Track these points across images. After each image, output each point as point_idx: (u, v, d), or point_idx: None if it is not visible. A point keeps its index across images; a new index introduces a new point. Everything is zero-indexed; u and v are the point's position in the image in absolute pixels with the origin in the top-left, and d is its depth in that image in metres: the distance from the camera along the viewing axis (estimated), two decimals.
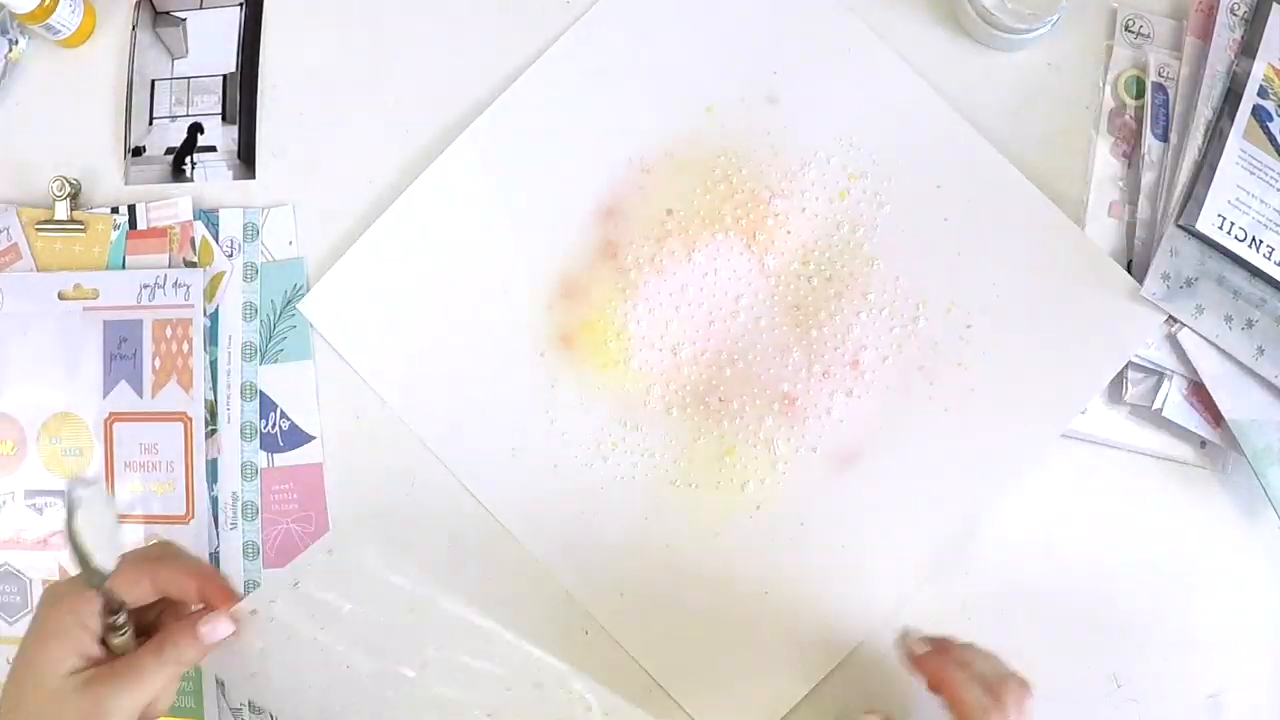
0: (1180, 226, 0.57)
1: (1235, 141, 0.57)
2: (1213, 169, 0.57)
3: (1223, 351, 0.57)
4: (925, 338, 0.59)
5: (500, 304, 0.60)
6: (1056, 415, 0.58)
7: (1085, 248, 0.59)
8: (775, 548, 0.58)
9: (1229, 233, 0.57)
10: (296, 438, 0.60)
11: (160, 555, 0.47)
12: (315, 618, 0.47)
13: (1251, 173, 0.57)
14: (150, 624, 0.47)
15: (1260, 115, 0.58)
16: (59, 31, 0.63)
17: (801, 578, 0.57)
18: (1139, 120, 0.61)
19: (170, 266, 0.61)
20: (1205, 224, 0.56)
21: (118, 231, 0.62)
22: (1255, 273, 0.57)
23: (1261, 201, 0.57)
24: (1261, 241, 0.57)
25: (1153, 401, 0.57)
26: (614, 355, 0.59)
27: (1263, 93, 0.58)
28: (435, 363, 0.60)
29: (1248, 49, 0.59)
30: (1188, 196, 0.57)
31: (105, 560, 0.43)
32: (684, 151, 0.61)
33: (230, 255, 0.62)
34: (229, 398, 0.61)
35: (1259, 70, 0.59)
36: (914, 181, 0.60)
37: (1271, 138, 0.58)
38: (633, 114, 0.61)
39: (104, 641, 0.44)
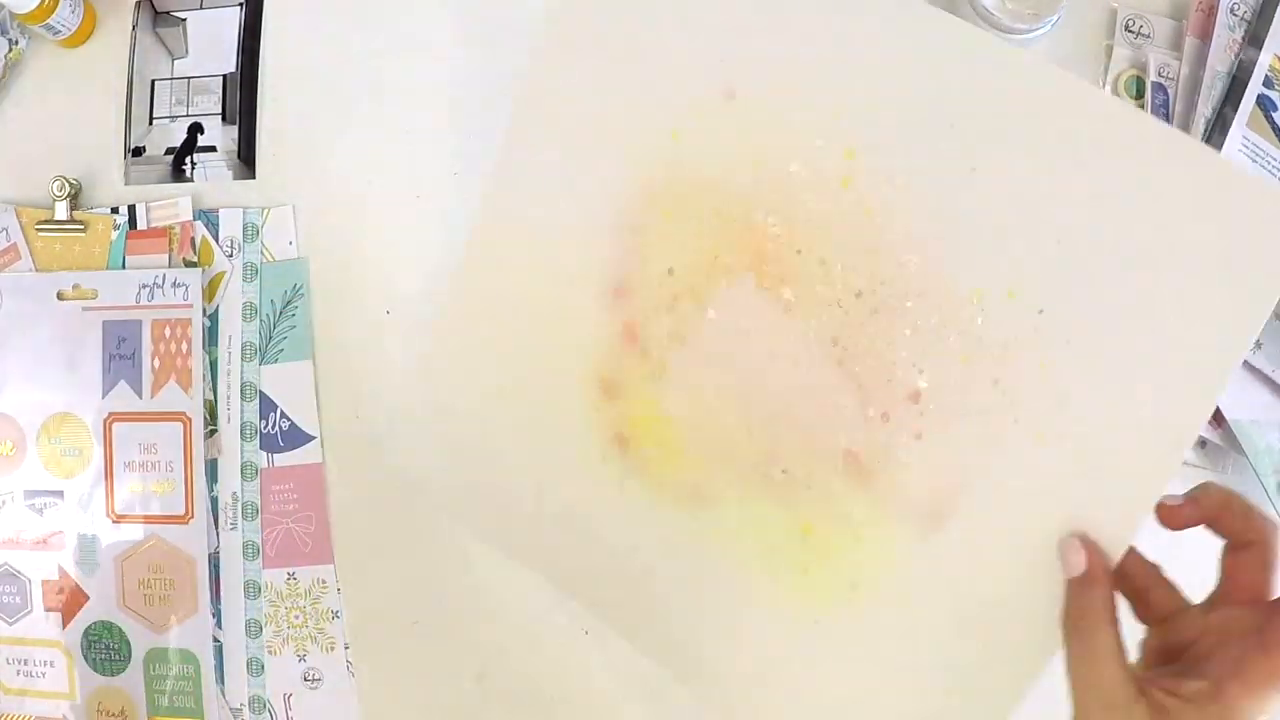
0: None
1: (1238, 130, 0.57)
2: None
3: None
4: (992, 340, 0.45)
5: (551, 415, 0.54)
6: (1197, 398, 0.42)
7: (1189, 152, 0.41)
8: (880, 629, 0.49)
9: None
10: (296, 438, 0.60)
11: None
12: None
13: (1254, 160, 0.57)
14: None
15: (1264, 105, 0.58)
16: (59, 31, 0.63)
17: (913, 665, 0.49)
18: None
19: (170, 266, 0.61)
20: None
21: (118, 231, 0.62)
22: None
23: None
24: None
25: None
26: (669, 446, 0.53)
27: (1268, 83, 0.58)
28: (493, 481, 0.56)
29: (1254, 40, 0.59)
30: None
31: None
32: (664, 193, 0.52)
33: (230, 255, 0.62)
34: (229, 398, 0.61)
35: (1265, 60, 0.59)
36: (922, 132, 0.46)
37: (1275, 127, 0.58)
38: (606, 170, 0.52)
39: None
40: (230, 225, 0.62)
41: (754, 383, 0.50)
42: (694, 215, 0.51)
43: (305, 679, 0.59)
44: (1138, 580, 0.44)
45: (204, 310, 0.61)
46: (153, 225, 0.62)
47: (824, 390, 0.49)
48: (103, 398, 0.60)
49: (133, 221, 0.62)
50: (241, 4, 0.65)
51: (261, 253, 0.62)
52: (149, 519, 0.60)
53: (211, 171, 0.63)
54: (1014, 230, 0.44)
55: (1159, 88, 0.61)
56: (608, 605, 0.54)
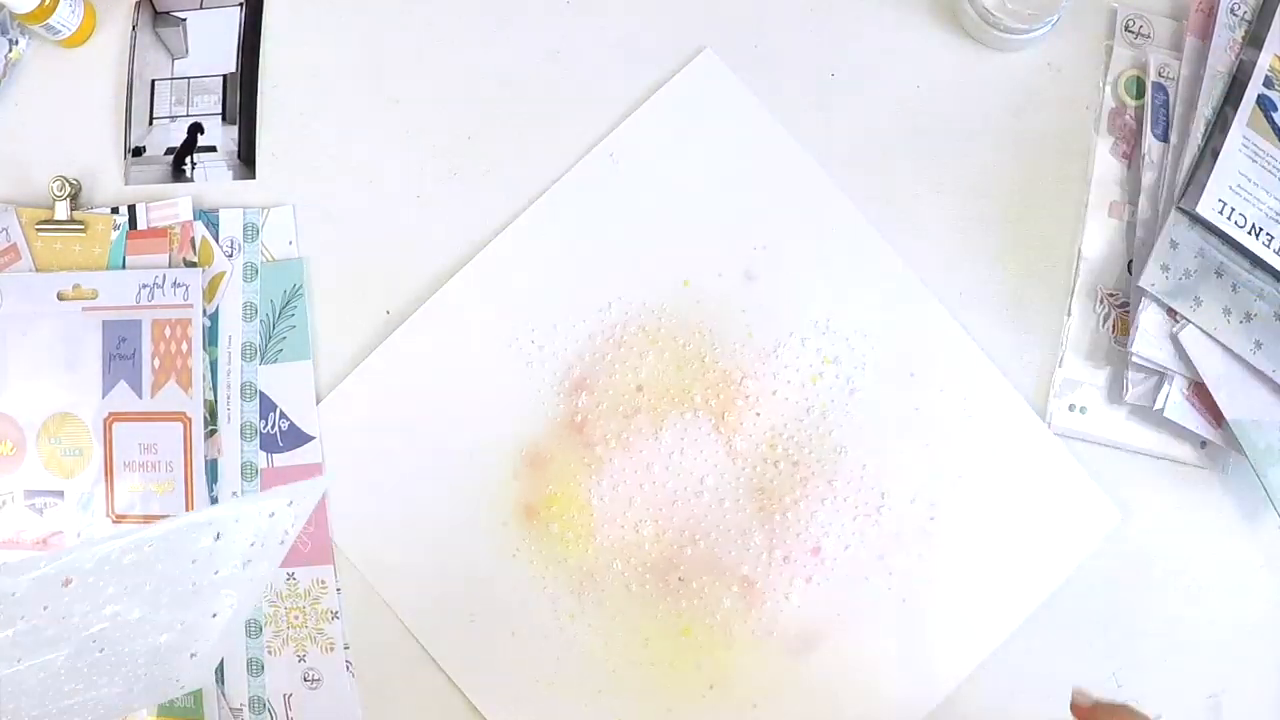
0: (1181, 209, 0.57)
1: (1239, 129, 0.57)
2: (1215, 155, 0.57)
3: (1223, 348, 0.57)
4: (888, 528, 0.58)
5: (467, 469, 0.59)
6: (1012, 609, 0.58)
7: (1050, 447, 0.59)
8: None
9: (1229, 218, 0.57)
10: (296, 438, 0.60)
11: None
12: None
13: (1254, 160, 0.57)
14: None
15: (1265, 105, 0.58)
16: (59, 31, 0.63)
17: None
18: (1139, 120, 0.61)
19: (170, 266, 0.61)
20: (1206, 208, 0.56)
21: (118, 231, 0.62)
22: (1255, 261, 0.57)
23: (1264, 190, 0.57)
24: (1261, 229, 0.57)
25: (1153, 401, 0.57)
26: (577, 530, 0.59)
27: (1268, 83, 0.58)
28: (404, 522, 0.60)
29: (1254, 40, 0.59)
30: (1189, 181, 0.57)
31: None
32: (657, 325, 0.60)
33: (230, 255, 0.62)
34: (229, 398, 0.61)
35: (1265, 61, 0.59)
36: (888, 368, 0.60)
37: (1275, 127, 0.58)
38: (607, 284, 0.60)
39: None
40: (230, 225, 0.62)
41: (680, 501, 0.59)
42: (679, 352, 0.60)
43: (305, 679, 0.59)
44: None
45: (204, 310, 0.61)
46: (153, 225, 0.62)
47: (740, 524, 0.59)
48: (103, 398, 0.60)
49: (133, 221, 0.62)
50: (241, 4, 0.64)
51: (261, 253, 0.62)
52: (149, 519, 0.60)
53: (211, 171, 0.63)
54: (931, 458, 0.59)
55: (1159, 88, 0.61)
56: (460, 658, 0.59)
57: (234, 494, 0.60)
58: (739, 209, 0.61)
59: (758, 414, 0.59)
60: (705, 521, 0.59)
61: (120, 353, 0.61)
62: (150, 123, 0.64)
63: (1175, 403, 0.57)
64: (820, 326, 0.60)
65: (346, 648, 0.59)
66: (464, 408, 0.60)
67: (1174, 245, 0.57)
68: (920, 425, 0.59)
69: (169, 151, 0.64)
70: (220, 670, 0.59)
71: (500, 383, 0.60)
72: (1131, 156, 0.61)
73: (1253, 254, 0.57)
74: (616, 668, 0.58)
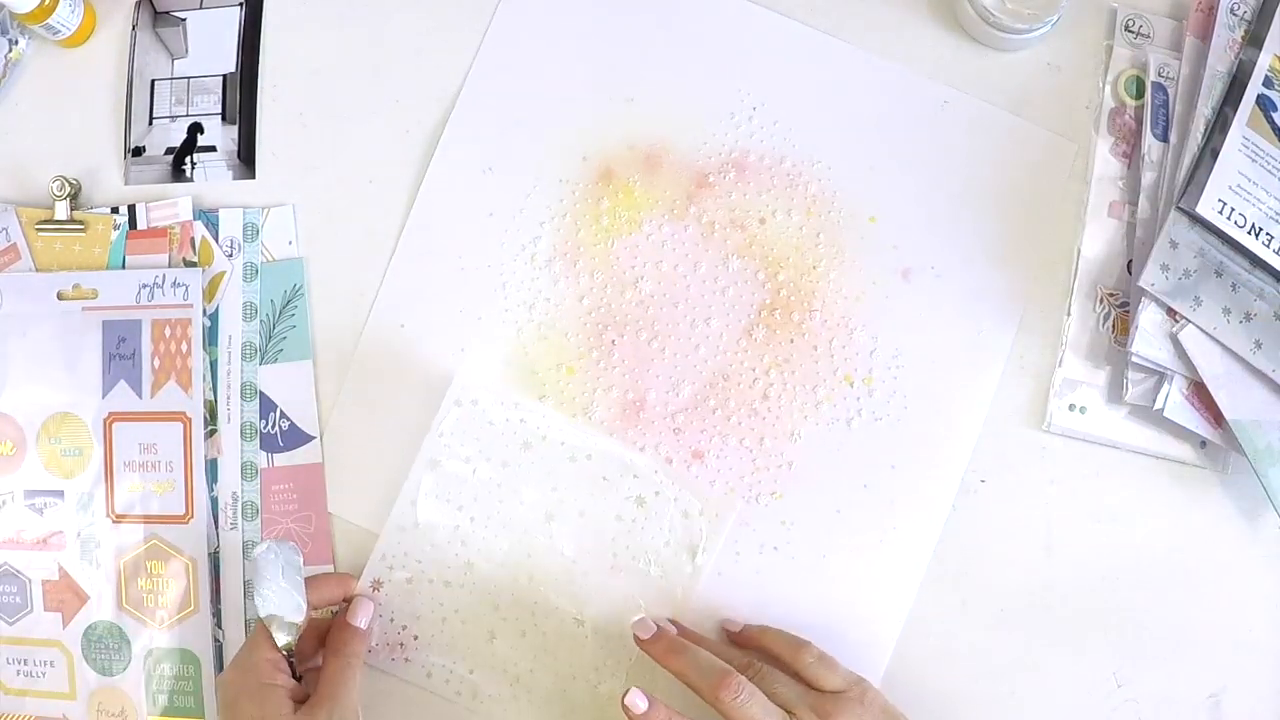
0: (1181, 209, 0.57)
1: (1238, 129, 0.57)
2: (1214, 155, 0.57)
3: (1223, 347, 0.57)
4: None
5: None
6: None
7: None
8: None
9: (1229, 218, 0.57)
10: (296, 438, 0.60)
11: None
12: (451, 500, 0.58)
13: (1253, 160, 0.57)
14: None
15: (1264, 104, 0.58)
16: (59, 31, 0.63)
17: None
18: (1139, 120, 0.61)
19: (170, 266, 0.61)
20: (1205, 208, 0.56)
21: (118, 231, 0.62)
22: (1255, 261, 0.57)
23: (1263, 189, 0.57)
24: (1261, 229, 0.57)
25: (1153, 401, 0.57)
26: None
27: (1268, 83, 0.58)
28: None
29: (1254, 40, 0.59)
30: (1189, 181, 0.57)
31: (296, 615, 0.52)
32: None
33: (230, 255, 0.62)
34: (229, 398, 0.61)
35: (1265, 61, 0.59)
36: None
37: (1275, 127, 0.58)
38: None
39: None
40: (230, 225, 0.62)
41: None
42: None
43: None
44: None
45: (204, 310, 0.61)
46: (153, 225, 0.62)
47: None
48: (103, 398, 0.60)
49: (133, 221, 0.62)
50: (241, 4, 0.65)
51: (261, 253, 0.62)
52: (149, 519, 0.60)
53: (211, 171, 0.63)
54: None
55: (1159, 88, 0.61)
56: None
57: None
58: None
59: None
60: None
61: (120, 353, 0.61)
62: (150, 123, 0.64)
63: (1175, 403, 0.57)
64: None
65: None
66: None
67: (1174, 245, 0.57)
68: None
69: (169, 151, 0.64)
70: (220, 670, 0.59)
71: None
72: (1131, 156, 0.61)
73: (1252, 254, 0.57)
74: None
